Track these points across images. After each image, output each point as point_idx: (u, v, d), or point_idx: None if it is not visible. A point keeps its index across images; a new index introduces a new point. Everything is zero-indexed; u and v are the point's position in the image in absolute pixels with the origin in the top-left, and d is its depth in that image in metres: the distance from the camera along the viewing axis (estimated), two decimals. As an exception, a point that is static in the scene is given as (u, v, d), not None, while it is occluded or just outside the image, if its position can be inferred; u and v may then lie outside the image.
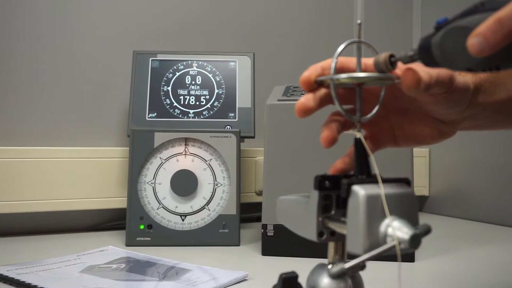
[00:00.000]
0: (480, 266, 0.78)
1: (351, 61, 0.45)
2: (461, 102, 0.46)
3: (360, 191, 0.37)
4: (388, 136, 0.51)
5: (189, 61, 1.05)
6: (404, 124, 0.50)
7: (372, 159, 0.41)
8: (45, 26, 1.05)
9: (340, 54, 0.42)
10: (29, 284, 0.62)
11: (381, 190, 0.37)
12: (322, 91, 0.45)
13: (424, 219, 1.21)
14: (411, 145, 0.52)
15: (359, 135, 0.42)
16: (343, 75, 0.41)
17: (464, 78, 0.45)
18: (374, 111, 0.44)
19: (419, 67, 0.41)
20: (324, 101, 0.45)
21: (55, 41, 1.06)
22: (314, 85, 0.44)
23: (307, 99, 0.44)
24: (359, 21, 0.44)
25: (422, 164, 1.37)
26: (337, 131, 0.45)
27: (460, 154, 1.27)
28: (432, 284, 0.69)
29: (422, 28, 1.42)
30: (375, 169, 0.40)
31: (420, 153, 1.36)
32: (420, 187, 1.36)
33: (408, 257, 0.78)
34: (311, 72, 0.44)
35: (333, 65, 0.42)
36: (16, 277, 0.65)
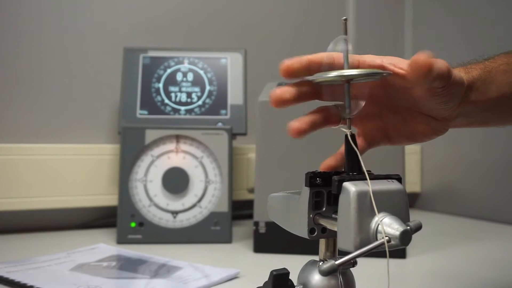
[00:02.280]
0: (471, 262, 0.78)
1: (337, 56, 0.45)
2: (455, 97, 0.46)
3: (351, 187, 0.37)
4: (381, 134, 0.51)
5: (180, 58, 1.04)
6: (397, 122, 0.50)
7: (359, 156, 0.41)
8: (35, 23, 1.04)
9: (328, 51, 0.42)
10: (18, 282, 0.61)
11: (369, 187, 0.37)
12: (304, 85, 0.44)
13: (415, 215, 1.21)
14: (404, 142, 0.52)
15: (349, 132, 0.42)
16: (332, 73, 0.41)
17: (459, 73, 0.45)
18: (361, 106, 0.44)
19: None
20: (304, 96, 0.45)
21: (45, 38, 1.05)
22: (294, 75, 0.44)
23: (283, 90, 0.44)
24: (344, 17, 0.44)
25: (414, 161, 1.37)
26: (309, 125, 0.45)
27: (452, 151, 1.28)
28: (423, 280, 0.69)
29: (414, 25, 1.42)
30: (362, 166, 0.40)
31: (412, 150, 1.36)
32: (412, 184, 1.37)
33: (399, 253, 0.79)
34: (294, 61, 0.44)
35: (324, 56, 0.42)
36: (6, 275, 0.64)
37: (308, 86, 0.44)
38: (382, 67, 0.44)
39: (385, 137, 0.51)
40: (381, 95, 0.47)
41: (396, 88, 0.46)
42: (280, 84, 0.90)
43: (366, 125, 0.50)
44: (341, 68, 0.42)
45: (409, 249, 0.82)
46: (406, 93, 0.46)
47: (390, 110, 0.50)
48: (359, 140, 0.50)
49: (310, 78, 0.43)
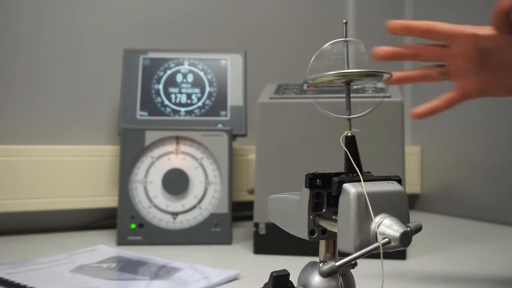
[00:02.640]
0: (471, 263, 0.78)
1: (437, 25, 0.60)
2: None
3: (351, 189, 0.37)
4: (478, 89, 0.61)
5: (180, 59, 1.04)
6: (493, 78, 0.59)
7: (350, 159, 0.41)
8: (35, 23, 1.04)
9: (326, 52, 0.42)
10: (18, 284, 0.61)
11: (363, 188, 0.37)
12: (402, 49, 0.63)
13: (415, 217, 1.21)
14: (503, 95, 0.61)
15: (349, 133, 0.42)
16: (331, 73, 0.41)
17: None
18: (365, 112, 0.44)
19: None
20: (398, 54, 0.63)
21: (45, 38, 1.05)
22: (394, 31, 0.62)
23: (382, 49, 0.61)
24: (345, 21, 0.44)
25: (414, 162, 1.37)
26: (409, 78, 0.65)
27: (452, 152, 1.28)
28: (424, 282, 0.69)
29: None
30: (355, 167, 0.40)
31: (412, 150, 1.36)
32: (412, 185, 1.37)
33: (400, 254, 0.78)
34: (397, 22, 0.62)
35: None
36: (5, 277, 0.64)
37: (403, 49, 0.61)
38: (475, 35, 0.57)
39: (482, 91, 0.61)
40: (476, 56, 0.58)
41: (488, 50, 0.57)
42: (280, 86, 0.90)
43: (464, 81, 0.61)
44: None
45: (409, 250, 0.82)
46: (496, 53, 0.56)
47: (485, 68, 0.59)
48: (455, 93, 0.63)
49: (309, 77, 0.43)
